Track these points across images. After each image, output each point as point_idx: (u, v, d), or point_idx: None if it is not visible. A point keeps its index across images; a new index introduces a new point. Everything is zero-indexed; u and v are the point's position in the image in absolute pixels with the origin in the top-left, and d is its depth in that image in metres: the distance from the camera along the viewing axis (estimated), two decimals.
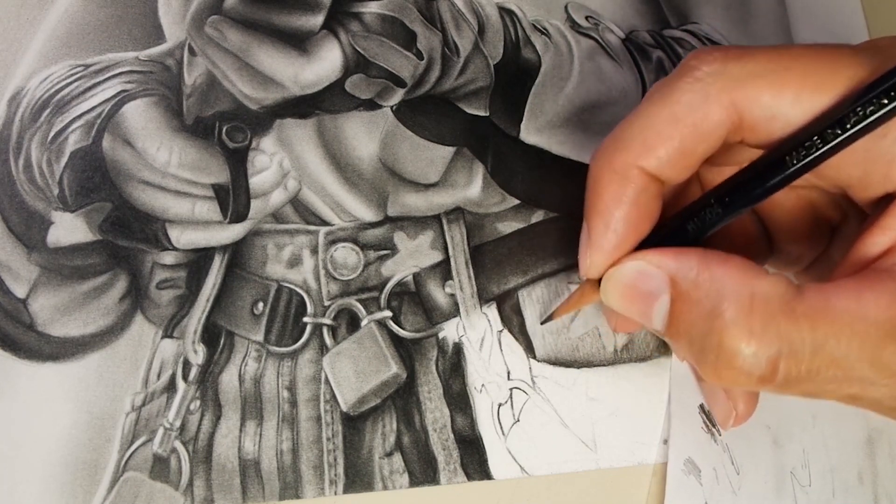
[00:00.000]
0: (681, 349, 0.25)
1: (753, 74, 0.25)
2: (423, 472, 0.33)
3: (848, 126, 0.23)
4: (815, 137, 0.24)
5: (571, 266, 0.36)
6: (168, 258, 0.36)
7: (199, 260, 0.36)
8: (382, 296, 0.35)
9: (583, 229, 0.28)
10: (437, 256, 0.36)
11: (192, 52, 0.37)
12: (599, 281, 0.28)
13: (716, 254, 0.24)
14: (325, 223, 0.36)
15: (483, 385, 0.34)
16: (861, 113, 0.23)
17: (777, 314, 0.23)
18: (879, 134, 0.24)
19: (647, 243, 0.27)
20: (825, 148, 0.24)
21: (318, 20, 0.36)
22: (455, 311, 0.35)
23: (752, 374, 0.23)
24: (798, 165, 0.24)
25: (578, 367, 0.35)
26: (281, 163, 0.36)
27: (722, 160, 0.28)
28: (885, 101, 0.23)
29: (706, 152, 0.26)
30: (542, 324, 0.35)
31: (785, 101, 0.24)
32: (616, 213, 0.26)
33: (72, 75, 0.37)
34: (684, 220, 0.27)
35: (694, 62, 0.25)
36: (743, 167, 0.26)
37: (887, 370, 0.22)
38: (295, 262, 0.36)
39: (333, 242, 0.36)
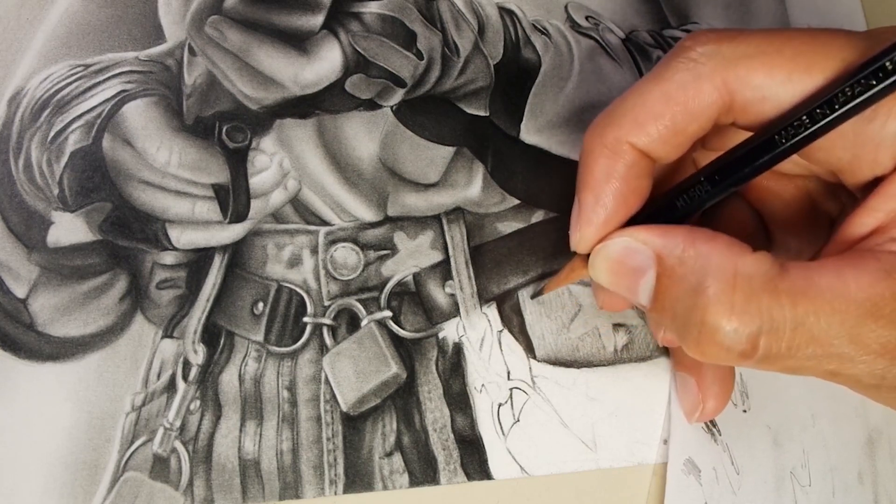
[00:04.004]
0: (664, 325, 0.25)
1: (746, 55, 0.25)
2: (423, 472, 0.33)
3: (836, 106, 0.24)
4: (804, 117, 0.24)
5: None
6: (168, 258, 0.36)
7: (199, 260, 0.36)
8: (382, 296, 0.35)
9: (574, 204, 0.28)
10: (437, 256, 0.36)
11: (192, 52, 0.37)
12: (589, 257, 0.28)
13: (702, 231, 0.25)
14: (325, 223, 0.36)
15: (483, 385, 0.34)
16: (849, 93, 0.23)
17: (759, 291, 0.23)
18: (868, 117, 0.24)
19: (636, 220, 0.27)
20: (814, 127, 0.24)
21: (318, 20, 0.36)
22: (455, 311, 0.35)
23: (732, 349, 0.23)
24: (787, 144, 0.24)
25: (578, 367, 0.35)
26: (281, 163, 0.36)
27: (715, 144, 0.28)
28: (874, 82, 0.23)
29: (697, 132, 0.26)
30: (532, 298, 0.35)
31: (776, 81, 0.25)
32: (606, 188, 0.27)
33: (72, 75, 0.37)
34: (673, 198, 0.27)
35: (689, 43, 0.26)
36: (733, 146, 0.26)
37: (866, 347, 0.23)
38: (295, 262, 0.36)
39: (333, 242, 0.36)
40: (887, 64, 0.23)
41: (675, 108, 0.26)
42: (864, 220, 0.25)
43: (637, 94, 0.26)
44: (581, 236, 0.28)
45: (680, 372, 0.33)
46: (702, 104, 0.25)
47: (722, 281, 0.23)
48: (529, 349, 0.35)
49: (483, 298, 0.35)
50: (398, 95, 0.37)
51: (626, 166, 0.26)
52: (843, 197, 0.29)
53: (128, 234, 0.36)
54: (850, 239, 0.25)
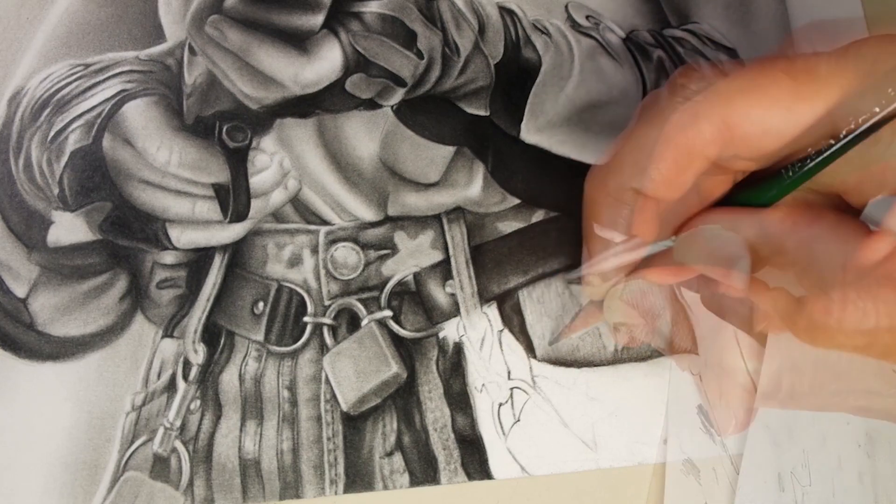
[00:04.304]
0: (685, 365, 0.25)
1: (742, 90, 0.25)
2: (424, 471, 0.33)
3: (841, 136, 0.24)
4: (809, 149, 0.24)
5: (571, 265, 0.36)
6: (168, 258, 0.36)
7: (199, 259, 0.36)
8: (383, 295, 0.35)
9: (583, 251, 0.28)
10: (437, 256, 0.36)
11: (192, 51, 0.37)
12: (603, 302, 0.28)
13: (719, 271, 0.25)
14: (325, 223, 0.36)
15: (483, 385, 0.34)
16: (853, 123, 0.23)
17: (777, 330, 0.23)
18: (871, 141, 0.24)
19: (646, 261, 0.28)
20: (820, 159, 0.24)
21: (318, 20, 0.36)
22: (455, 311, 0.35)
23: (752, 390, 0.23)
24: (794, 177, 0.25)
25: (579, 367, 0.35)
26: (281, 162, 0.36)
27: (718, 170, 0.28)
28: (877, 110, 0.23)
29: (700, 169, 0.26)
30: (549, 345, 0.35)
31: (775, 114, 0.24)
32: (613, 235, 0.27)
33: (72, 75, 0.37)
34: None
35: (682, 80, 0.25)
36: (738, 181, 0.26)
37: (893, 380, 0.23)
38: (295, 261, 0.36)
39: (334, 242, 0.36)
40: (890, 91, 0.23)
41: (676, 151, 0.25)
42: (878, 245, 0.24)
43: (635, 138, 0.26)
44: (594, 286, 0.28)
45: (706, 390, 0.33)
46: (702, 143, 0.25)
47: (738, 322, 0.23)
48: (530, 349, 0.35)
49: (483, 298, 0.35)
50: (398, 95, 0.37)
51: (632, 212, 0.26)
52: (843, 207, 0.29)
53: (128, 233, 0.36)
54: (865, 265, 0.24)
